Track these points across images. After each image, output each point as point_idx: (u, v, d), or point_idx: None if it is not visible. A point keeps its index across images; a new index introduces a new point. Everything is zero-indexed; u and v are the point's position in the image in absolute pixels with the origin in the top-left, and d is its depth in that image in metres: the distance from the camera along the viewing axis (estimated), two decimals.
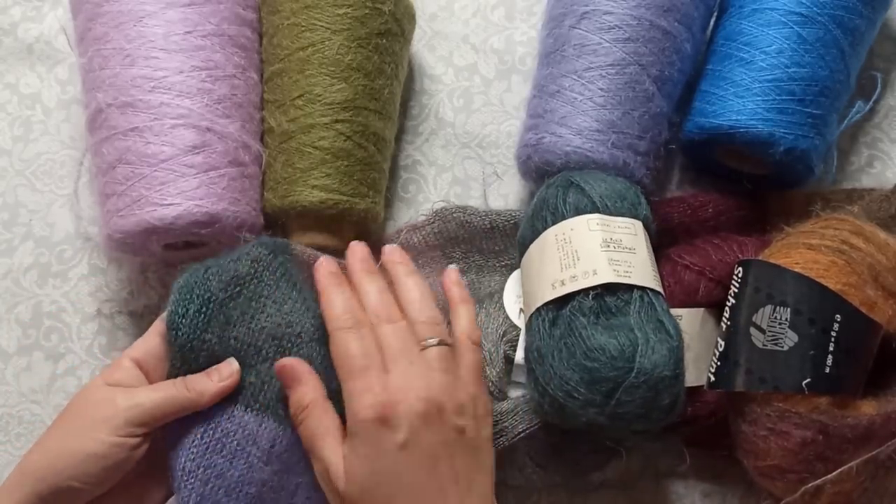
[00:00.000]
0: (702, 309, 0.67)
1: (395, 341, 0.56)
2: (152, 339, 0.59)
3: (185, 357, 0.58)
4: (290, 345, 0.60)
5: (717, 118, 0.70)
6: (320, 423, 0.55)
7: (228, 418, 0.58)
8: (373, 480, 0.51)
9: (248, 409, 0.59)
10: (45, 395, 0.76)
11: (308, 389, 0.56)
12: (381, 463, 0.52)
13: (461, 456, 0.54)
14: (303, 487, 0.59)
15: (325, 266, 0.62)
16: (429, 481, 0.52)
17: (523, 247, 0.69)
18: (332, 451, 0.53)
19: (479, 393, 0.57)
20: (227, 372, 0.58)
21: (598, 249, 0.62)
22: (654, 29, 0.70)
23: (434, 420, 0.53)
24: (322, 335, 0.60)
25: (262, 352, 0.60)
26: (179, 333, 0.57)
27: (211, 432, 0.58)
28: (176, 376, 0.58)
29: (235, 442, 0.58)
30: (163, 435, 0.58)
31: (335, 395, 0.57)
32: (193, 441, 0.58)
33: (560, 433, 0.67)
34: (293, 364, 0.57)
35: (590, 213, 0.65)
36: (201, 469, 0.56)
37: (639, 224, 0.65)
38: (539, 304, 0.63)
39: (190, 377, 0.58)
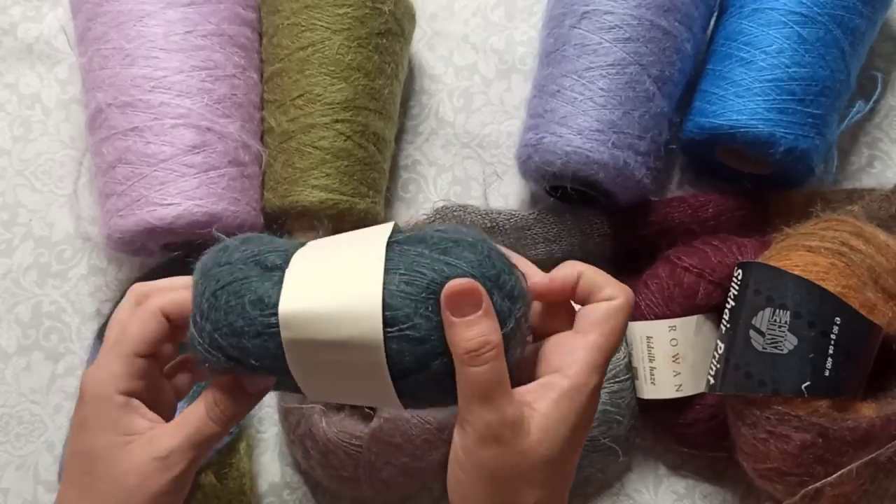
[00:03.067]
0: (695, 317, 0.67)
1: None
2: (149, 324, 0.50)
3: None
4: None
5: (717, 118, 0.70)
6: (504, 368, 0.45)
7: None
8: (568, 448, 0.47)
9: None
10: (45, 395, 0.76)
11: (496, 326, 0.45)
12: (578, 432, 0.47)
13: None
14: None
15: None
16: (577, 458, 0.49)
17: None
18: (512, 403, 0.45)
19: None
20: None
21: None
22: (655, 29, 0.70)
23: None
24: None
25: None
26: None
27: None
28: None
29: None
30: None
31: None
32: None
33: None
34: (474, 287, 0.45)
35: None
36: None
37: None
38: None
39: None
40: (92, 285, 0.78)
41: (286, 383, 0.48)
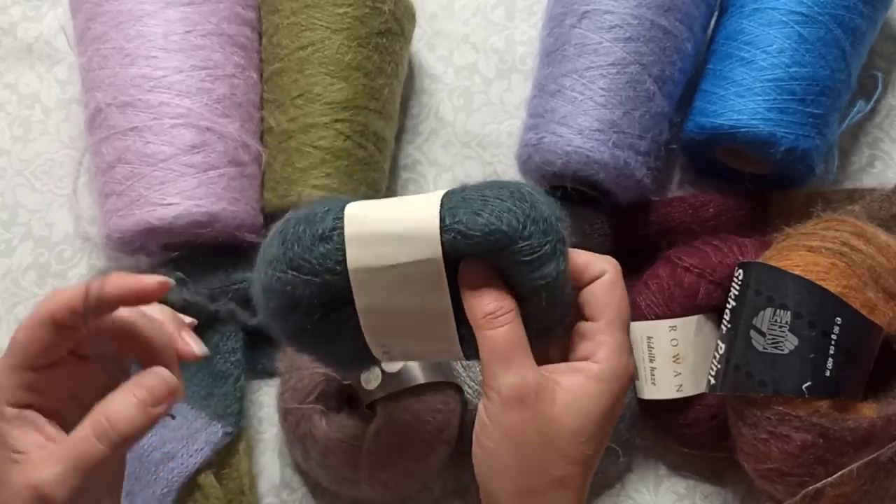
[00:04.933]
0: (695, 317, 0.67)
1: None
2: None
3: None
4: None
5: (717, 118, 0.70)
6: (521, 333, 0.47)
7: None
8: (593, 427, 0.47)
9: None
10: None
11: (507, 296, 0.48)
12: (608, 418, 0.48)
13: None
14: None
15: None
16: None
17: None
18: (533, 369, 0.47)
19: None
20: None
21: None
22: (655, 28, 0.70)
23: None
24: None
25: None
26: None
27: None
28: None
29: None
30: None
31: None
32: None
33: None
34: (483, 265, 0.47)
35: None
36: None
37: None
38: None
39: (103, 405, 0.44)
40: None
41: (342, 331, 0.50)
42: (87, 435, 0.43)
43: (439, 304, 0.48)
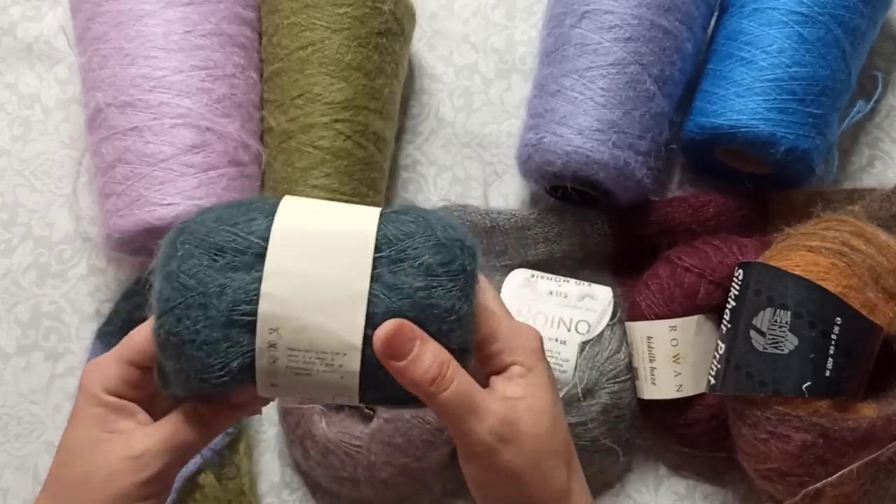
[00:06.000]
0: (695, 317, 0.67)
1: None
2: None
3: None
4: None
5: (717, 118, 0.70)
6: (467, 377, 0.44)
7: None
8: (556, 411, 0.47)
9: None
10: (45, 395, 0.76)
11: (436, 344, 0.44)
12: (554, 392, 0.47)
13: None
14: None
15: None
16: None
17: None
18: (494, 400, 0.45)
19: None
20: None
21: None
22: (655, 28, 0.70)
23: None
24: None
25: None
26: None
27: None
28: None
29: None
30: None
31: None
32: None
33: None
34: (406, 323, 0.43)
35: None
36: None
37: None
38: None
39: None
40: (91, 285, 0.78)
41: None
42: (180, 417, 0.46)
43: (356, 283, 0.42)
